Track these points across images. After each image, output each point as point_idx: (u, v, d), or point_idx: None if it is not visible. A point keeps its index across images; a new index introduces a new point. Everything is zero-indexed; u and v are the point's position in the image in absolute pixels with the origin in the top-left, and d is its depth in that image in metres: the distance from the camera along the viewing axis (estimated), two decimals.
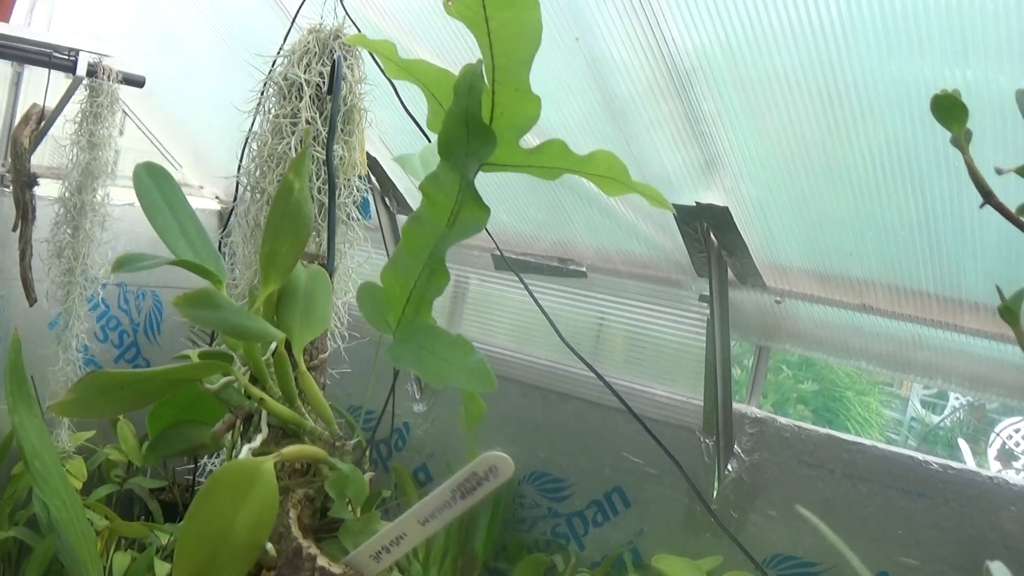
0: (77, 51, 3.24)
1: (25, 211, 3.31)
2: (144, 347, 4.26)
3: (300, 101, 2.16)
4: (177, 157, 4.50)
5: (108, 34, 3.67)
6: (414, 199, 3.52)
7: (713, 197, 2.58)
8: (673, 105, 2.43)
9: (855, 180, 2.32)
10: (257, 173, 2.22)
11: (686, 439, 3.05)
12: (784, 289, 2.77)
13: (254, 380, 1.20)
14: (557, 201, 3.02)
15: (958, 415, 8.37)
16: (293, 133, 2.14)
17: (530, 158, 0.95)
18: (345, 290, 2.29)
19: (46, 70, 3.27)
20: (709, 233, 2.67)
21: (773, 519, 2.87)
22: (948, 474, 2.61)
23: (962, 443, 7.35)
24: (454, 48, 2.76)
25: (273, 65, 2.26)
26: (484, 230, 2.59)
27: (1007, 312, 0.73)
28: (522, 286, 2.49)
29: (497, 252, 3.23)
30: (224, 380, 1.19)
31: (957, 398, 8.33)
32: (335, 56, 2.11)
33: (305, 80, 2.17)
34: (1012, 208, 0.76)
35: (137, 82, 3.47)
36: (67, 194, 3.40)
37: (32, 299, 3.38)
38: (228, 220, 2.34)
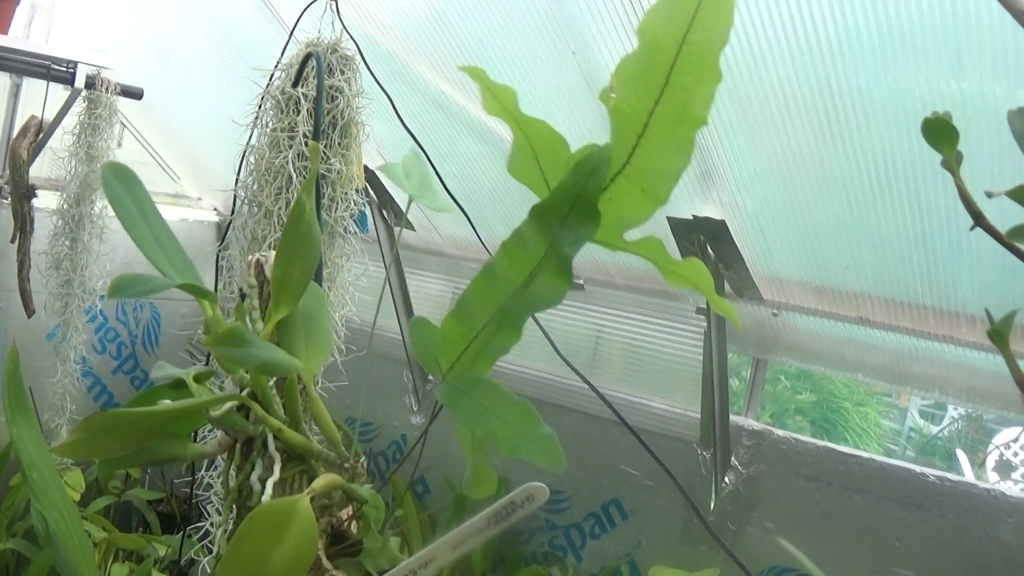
0: (75, 63, 3.25)
1: (23, 223, 3.31)
2: (142, 358, 4.27)
3: (297, 115, 2.17)
4: (175, 169, 4.51)
5: (107, 46, 3.68)
6: (413, 212, 3.52)
7: (710, 210, 2.59)
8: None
9: (851, 193, 2.33)
10: (255, 187, 2.22)
11: (683, 451, 3.05)
12: (781, 302, 2.77)
13: (254, 399, 1.19)
14: None
15: (956, 426, 8.36)
16: (290, 147, 2.15)
17: (627, 247, 0.96)
18: (343, 304, 2.30)
19: (44, 82, 3.27)
20: (706, 246, 2.67)
21: (770, 531, 2.87)
22: (945, 486, 2.62)
23: (960, 454, 7.34)
24: (450, 62, 2.76)
25: (271, 79, 2.26)
26: (481, 243, 2.60)
27: (996, 335, 0.74)
28: None
29: None
30: (228, 406, 1.18)
31: (956, 409, 8.32)
32: (311, 52, 2.09)
33: (302, 94, 2.18)
34: (1003, 230, 0.77)
35: (135, 94, 3.48)
36: (65, 206, 3.40)
37: (30, 311, 3.39)
38: (226, 233, 2.34)
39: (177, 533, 3.45)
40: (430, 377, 3.75)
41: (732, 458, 2.97)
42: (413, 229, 3.62)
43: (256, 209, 2.21)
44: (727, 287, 2.80)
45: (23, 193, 3.29)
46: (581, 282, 3.20)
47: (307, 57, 2.13)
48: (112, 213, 2.84)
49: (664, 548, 3.10)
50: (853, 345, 2.77)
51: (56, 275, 3.44)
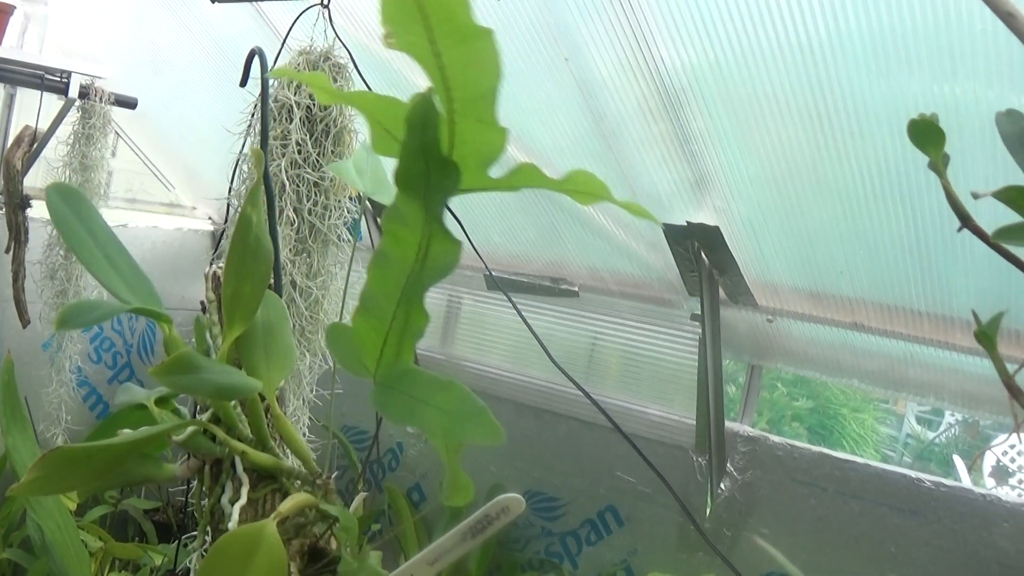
0: (69, 73, 3.25)
1: (18, 233, 3.31)
2: (138, 368, 4.26)
3: (290, 123, 2.17)
4: (169, 178, 4.51)
5: (100, 56, 3.68)
6: None
7: (704, 216, 2.59)
8: (663, 125, 2.43)
9: (846, 199, 2.33)
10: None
11: (679, 458, 3.05)
12: (776, 308, 2.78)
13: (217, 421, 1.17)
14: (549, 222, 3.03)
15: (953, 432, 8.37)
16: (283, 155, 2.15)
17: (499, 183, 0.91)
18: (336, 312, 2.29)
19: (38, 92, 3.27)
20: (700, 252, 2.67)
21: (766, 538, 2.86)
22: (941, 492, 2.61)
23: (957, 460, 7.34)
24: None
25: (263, 87, 2.26)
26: (475, 251, 2.60)
27: (983, 337, 0.74)
28: (511, 306, 2.49)
29: (488, 272, 3.23)
30: (191, 430, 1.15)
31: (952, 415, 8.33)
32: (254, 49, 2.06)
33: (295, 102, 2.18)
34: (990, 231, 0.77)
35: (129, 103, 3.48)
36: None
37: (25, 321, 3.38)
38: (219, 242, 2.34)
39: (173, 542, 3.45)
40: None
41: (728, 464, 2.97)
42: None
43: None
44: (722, 293, 2.80)
45: (17, 203, 3.29)
46: (576, 289, 3.20)
47: (251, 55, 2.11)
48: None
49: (660, 555, 3.10)
50: (848, 350, 2.77)
51: (51, 285, 3.44)
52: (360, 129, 2.29)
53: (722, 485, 2.97)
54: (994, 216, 0.86)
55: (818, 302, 2.68)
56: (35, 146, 3.34)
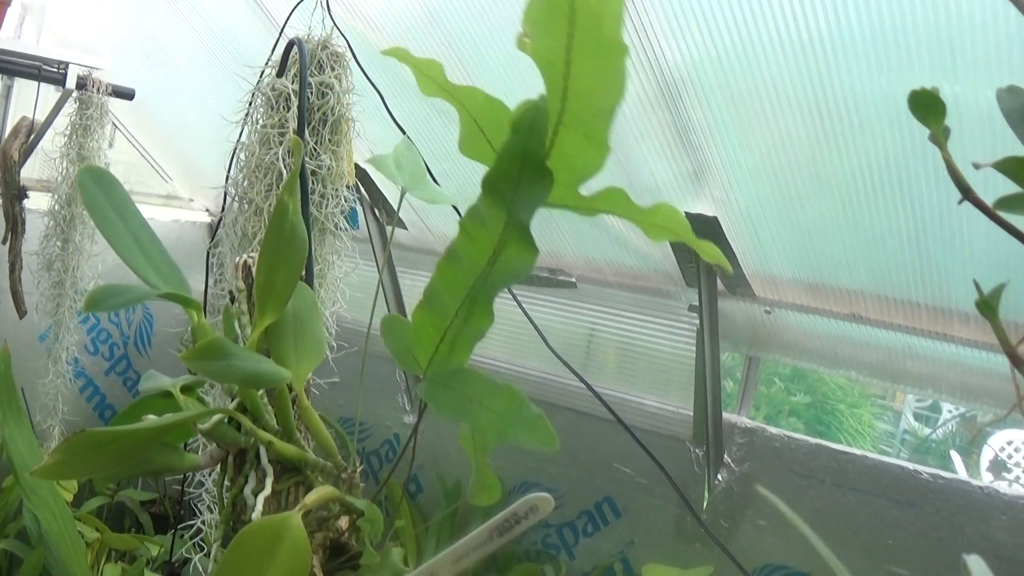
0: (67, 64, 3.24)
1: (15, 224, 3.31)
2: (135, 360, 4.26)
3: (287, 111, 2.16)
4: (167, 170, 4.50)
5: (98, 47, 3.68)
6: (404, 210, 3.51)
7: (702, 207, 2.58)
8: (662, 115, 2.43)
9: (844, 191, 2.32)
10: (245, 184, 2.22)
11: (676, 449, 3.05)
12: (774, 299, 2.77)
13: (243, 409, 1.15)
14: (545, 211, 3.02)
15: (951, 427, 8.37)
16: (280, 143, 2.14)
17: (584, 202, 0.90)
18: (333, 300, 2.29)
19: (36, 83, 3.27)
20: None
21: (763, 529, 2.86)
22: (938, 484, 2.61)
23: (955, 455, 7.34)
24: (442, 61, 2.75)
25: (261, 76, 2.26)
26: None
27: (985, 306, 0.73)
28: (511, 297, 2.49)
29: None
30: (217, 418, 1.14)
31: (950, 411, 8.33)
32: (294, 40, 2.07)
33: (292, 90, 2.17)
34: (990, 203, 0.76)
35: (127, 94, 3.47)
36: (57, 207, 3.40)
37: (22, 312, 3.38)
38: (216, 230, 2.34)
39: (169, 533, 3.45)
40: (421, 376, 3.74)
41: (725, 456, 2.97)
42: (405, 228, 3.61)
43: (247, 206, 2.20)
44: (720, 284, 2.80)
45: (14, 194, 3.29)
46: (573, 280, 3.19)
47: (290, 45, 2.12)
48: None
49: (657, 546, 3.10)
50: (846, 342, 2.77)
51: (48, 276, 3.43)
52: (358, 118, 2.28)
53: (719, 476, 2.96)
54: (994, 194, 0.85)
55: (816, 293, 2.67)
56: (32, 137, 3.33)
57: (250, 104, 2.25)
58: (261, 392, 1.15)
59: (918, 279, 2.43)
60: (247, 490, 1.13)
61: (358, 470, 1.15)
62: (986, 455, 6.78)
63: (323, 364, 2.28)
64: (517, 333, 3.52)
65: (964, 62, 1.89)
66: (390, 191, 3.47)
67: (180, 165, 4.49)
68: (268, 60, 2.27)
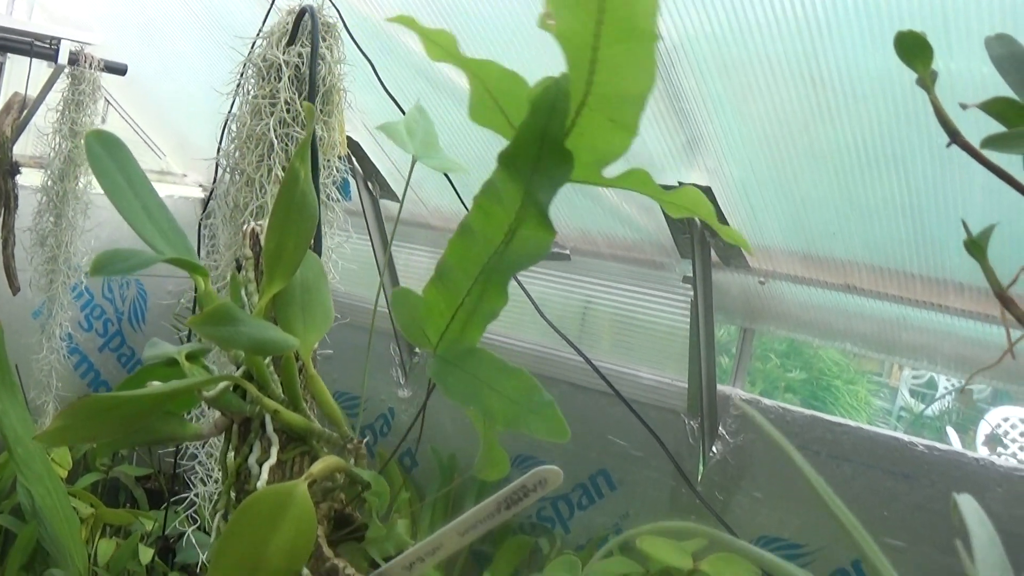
0: (59, 39, 3.23)
1: (7, 200, 3.30)
2: (129, 336, 4.26)
3: (279, 82, 2.15)
4: (160, 145, 4.49)
5: (90, 22, 3.66)
6: (397, 183, 3.51)
7: (696, 177, 2.58)
8: (655, 84, 2.42)
9: (839, 161, 2.32)
10: (236, 155, 2.22)
11: (671, 421, 3.05)
12: (768, 270, 2.77)
13: (249, 377, 1.14)
14: None
15: (947, 403, 8.38)
16: (271, 114, 2.13)
17: (607, 182, 0.88)
18: (325, 271, 2.28)
19: (28, 59, 3.26)
20: None
21: (758, 501, 2.86)
22: (934, 455, 2.61)
23: (950, 431, 7.36)
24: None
25: (252, 47, 2.25)
26: (466, 210, 2.59)
27: (974, 246, 0.73)
28: None
29: None
30: (222, 386, 1.13)
31: (946, 387, 8.34)
32: (306, 7, 2.07)
33: (284, 61, 2.17)
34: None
35: (119, 70, 3.46)
36: (49, 182, 3.39)
37: (15, 288, 3.37)
38: (207, 201, 2.34)
39: (163, 508, 3.45)
40: (417, 350, 3.74)
41: (720, 428, 2.97)
42: (398, 200, 3.60)
43: (238, 177, 2.20)
44: (714, 255, 2.79)
45: (7, 170, 3.28)
46: (567, 252, 3.19)
47: (301, 13, 2.11)
48: (97, 189, 2.79)
49: (652, 518, 3.10)
50: (840, 313, 2.77)
51: (41, 252, 3.43)
52: (350, 88, 2.27)
53: (714, 448, 2.97)
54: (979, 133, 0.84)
55: (810, 264, 2.67)
56: (24, 113, 3.32)
57: (241, 75, 2.24)
58: (267, 360, 1.14)
59: (912, 250, 2.42)
60: (251, 459, 1.12)
61: (364, 441, 1.14)
62: (982, 430, 6.80)
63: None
64: (511, 306, 3.50)
65: (959, 36, 1.89)
66: (382, 162, 3.46)
67: (173, 140, 4.48)
68: (260, 31, 2.26)
